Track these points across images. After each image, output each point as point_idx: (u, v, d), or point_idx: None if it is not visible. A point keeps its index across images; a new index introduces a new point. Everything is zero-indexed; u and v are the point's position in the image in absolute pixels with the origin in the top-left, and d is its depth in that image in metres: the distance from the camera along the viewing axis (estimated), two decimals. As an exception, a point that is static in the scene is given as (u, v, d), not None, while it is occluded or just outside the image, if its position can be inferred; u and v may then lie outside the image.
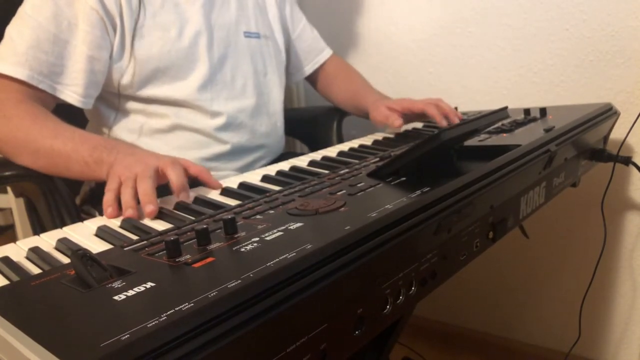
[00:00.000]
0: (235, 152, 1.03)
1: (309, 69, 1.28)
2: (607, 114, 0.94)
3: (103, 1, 0.88)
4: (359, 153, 0.88)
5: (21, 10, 0.86)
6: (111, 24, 0.89)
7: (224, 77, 1.01)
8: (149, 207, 0.64)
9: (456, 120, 1.02)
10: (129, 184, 0.68)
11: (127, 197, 0.66)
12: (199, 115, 0.98)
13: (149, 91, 0.94)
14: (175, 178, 0.69)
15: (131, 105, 0.96)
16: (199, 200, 0.68)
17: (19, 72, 0.82)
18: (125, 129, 0.97)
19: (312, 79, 1.32)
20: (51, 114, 0.84)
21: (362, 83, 1.29)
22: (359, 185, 0.59)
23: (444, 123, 1.01)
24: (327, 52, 1.30)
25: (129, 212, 0.64)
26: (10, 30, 0.85)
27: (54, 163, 0.79)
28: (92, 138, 0.80)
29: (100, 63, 0.89)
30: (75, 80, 0.88)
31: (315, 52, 1.28)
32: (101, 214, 0.66)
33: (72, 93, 0.88)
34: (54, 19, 0.85)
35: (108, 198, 0.68)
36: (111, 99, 0.97)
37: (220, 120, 0.99)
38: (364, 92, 1.24)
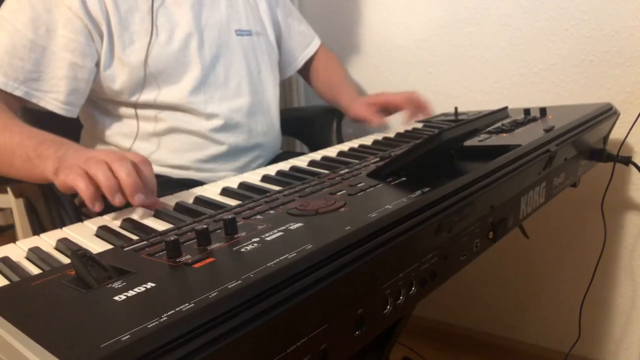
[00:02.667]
0: (232, 153, 1.02)
1: (300, 62, 1.27)
2: (607, 114, 0.94)
3: (87, 8, 0.86)
4: (359, 153, 0.88)
5: None
6: (97, 31, 0.87)
7: (217, 77, 1.00)
8: (139, 197, 0.55)
9: (427, 114, 1.13)
10: (98, 164, 0.56)
11: (102, 176, 0.55)
12: (194, 118, 0.97)
13: (141, 97, 0.93)
14: (125, 175, 0.58)
15: (125, 110, 0.95)
16: (199, 200, 0.68)
17: None
18: (120, 134, 0.96)
19: (302, 71, 1.31)
20: (9, 111, 0.80)
21: (340, 75, 1.29)
22: (359, 185, 0.59)
23: (417, 118, 1.12)
24: (316, 43, 1.29)
25: (117, 198, 0.54)
26: None
27: None
28: (43, 135, 0.73)
29: (84, 71, 0.87)
30: (56, 87, 0.86)
31: (305, 44, 1.27)
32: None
33: (53, 100, 0.86)
34: (31, 25, 0.83)
35: (84, 188, 0.56)
36: (104, 105, 0.96)
37: (216, 122, 0.99)
38: (340, 87, 1.25)
